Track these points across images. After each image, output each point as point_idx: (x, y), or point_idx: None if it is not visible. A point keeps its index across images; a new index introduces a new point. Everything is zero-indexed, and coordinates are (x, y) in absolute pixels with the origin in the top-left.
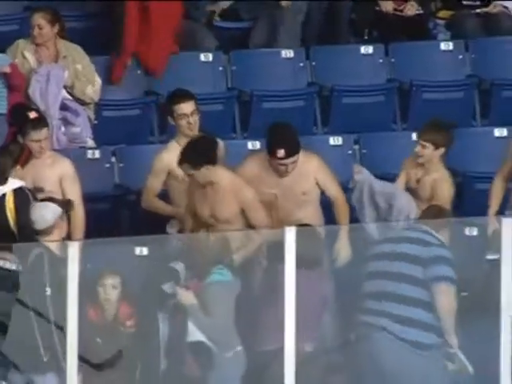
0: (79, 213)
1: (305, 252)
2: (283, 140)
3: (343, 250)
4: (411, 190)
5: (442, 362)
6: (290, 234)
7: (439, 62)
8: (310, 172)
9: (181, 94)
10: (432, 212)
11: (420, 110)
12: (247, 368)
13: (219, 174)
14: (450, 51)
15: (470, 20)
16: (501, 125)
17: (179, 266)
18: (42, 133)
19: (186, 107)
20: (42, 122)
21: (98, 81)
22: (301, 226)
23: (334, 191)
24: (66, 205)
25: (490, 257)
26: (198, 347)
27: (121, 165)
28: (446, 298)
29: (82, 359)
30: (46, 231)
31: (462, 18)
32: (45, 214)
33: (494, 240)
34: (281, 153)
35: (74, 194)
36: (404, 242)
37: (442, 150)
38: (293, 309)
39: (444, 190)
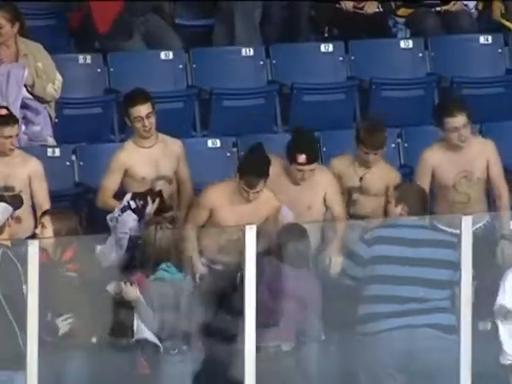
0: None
1: (292, 250)
2: (306, 145)
3: (336, 258)
4: (354, 189)
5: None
6: (251, 232)
7: (399, 60)
8: (320, 185)
9: (136, 96)
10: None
11: (380, 108)
12: (200, 366)
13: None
14: (410, 49)
15: (429, 18)
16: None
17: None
18: (13, 129)
19: (142, 110)
20: (12, 118)
21: (59, 78)
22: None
23: (339, 210)
24: (16, 201)
25: None
26: (145, 345)
27: (81, 163)
28: None
29: None
30: None
31: (422, 16)
32: None
33: None
34: (302, 158)
35: (44, 192)
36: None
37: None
38: (253, 308)
39: (395, 178)
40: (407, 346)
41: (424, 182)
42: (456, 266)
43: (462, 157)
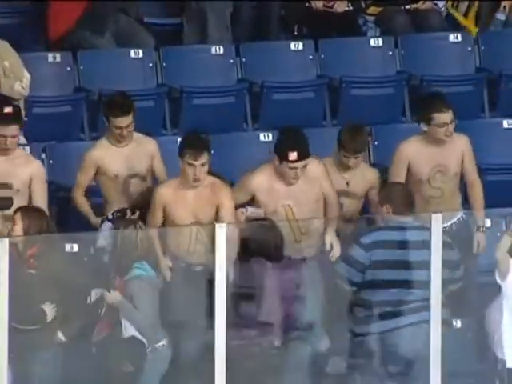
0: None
1: (263, 244)
2: (295, 143)
3: (335, 244)
4: (339, 192)
5: None
6: (221, 231)
7: (369, 59)
8: (317, 177)
9: (119, 107)
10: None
11: (350, 107)
12: (174, 362)
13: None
14: (380, 47)
15: (399, 16)
16: None
17: None
18: (17, 128)
19: (123, 121)
20: (16, 117)
21: (27, 76)
22: None
23: (333, 197)
24: (5, 203)
25: None
26: (132, 342)
27: (51, 161)
28: None
29: None
30: None
31: (392, 14)
32: None
33: None
34: (293, 155)
35: (43, 195)
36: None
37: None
38: (223, 305)
39: (376, 178)
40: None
41: (399, 175)
42: (453, 264)
43: (438, 151)
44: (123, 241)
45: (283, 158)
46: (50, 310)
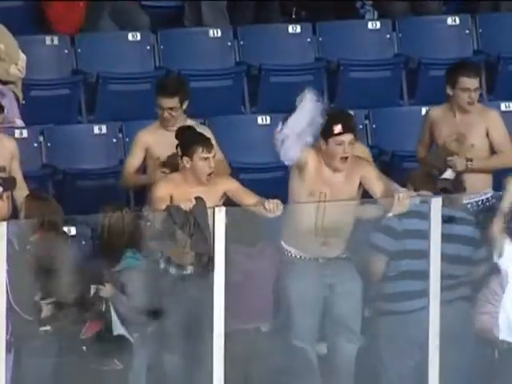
0: (25, 192)
1: (241, 231)
2: (339, 116)
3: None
4: None
5: None
6: (220, 214)
7: (367, 42)
8: (359, 173)
9: (165, 87)
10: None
11: (347, 89)
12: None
13: None
14: (378, 30)
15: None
16: (427, 104)
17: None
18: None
19: (166, 102)
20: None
21: (23, 58)
22: None
23: (381, 191)
24: (10, 183)
25: None
26: (121, 341)
27: (48, 144)
28: None
29: None
30: None
31: None
32: None
33: None
34: (338, 128)
35: (20, 173)
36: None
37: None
38: (222, 289)
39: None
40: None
41: (423, 138)
42: (475, 242)
43: (459, 120)
44: (111, 228)
45: (329, 134)
46: (46, 307)
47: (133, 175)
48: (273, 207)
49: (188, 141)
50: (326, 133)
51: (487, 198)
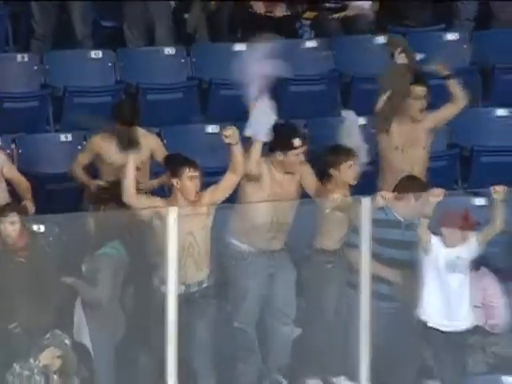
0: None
1: None
2: (295, 130)
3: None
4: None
5: None
6: (173, 214)
7: (305, 58)
8: (299, 172)
9: (123, 119)
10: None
11: (288, 102)
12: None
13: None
14: (314, 48)
15: (331, 20)
16: (361, 114)
17: None
18: None
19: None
20: None
21: None
22: None
23: (313, 184)
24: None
25: None
26: (81, 348)
27: (20, 151)
28: None
29: None
30: None
31: (325, 19)
32: None
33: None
34: (297, 142)
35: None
36: None
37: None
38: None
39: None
40: None
41: None
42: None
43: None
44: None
45: (288, 147)
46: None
47: (78, 169)
48: (232, 132)
49: (176, 164)
50: (285, 146)
51: None
